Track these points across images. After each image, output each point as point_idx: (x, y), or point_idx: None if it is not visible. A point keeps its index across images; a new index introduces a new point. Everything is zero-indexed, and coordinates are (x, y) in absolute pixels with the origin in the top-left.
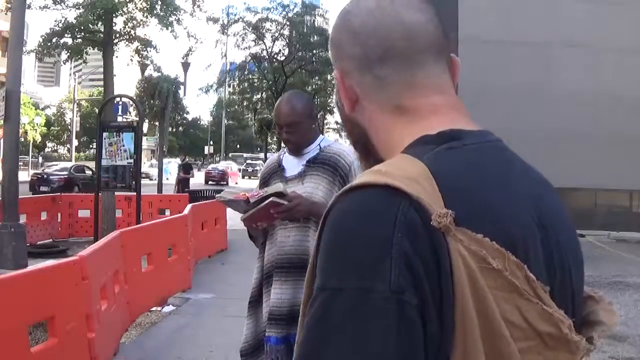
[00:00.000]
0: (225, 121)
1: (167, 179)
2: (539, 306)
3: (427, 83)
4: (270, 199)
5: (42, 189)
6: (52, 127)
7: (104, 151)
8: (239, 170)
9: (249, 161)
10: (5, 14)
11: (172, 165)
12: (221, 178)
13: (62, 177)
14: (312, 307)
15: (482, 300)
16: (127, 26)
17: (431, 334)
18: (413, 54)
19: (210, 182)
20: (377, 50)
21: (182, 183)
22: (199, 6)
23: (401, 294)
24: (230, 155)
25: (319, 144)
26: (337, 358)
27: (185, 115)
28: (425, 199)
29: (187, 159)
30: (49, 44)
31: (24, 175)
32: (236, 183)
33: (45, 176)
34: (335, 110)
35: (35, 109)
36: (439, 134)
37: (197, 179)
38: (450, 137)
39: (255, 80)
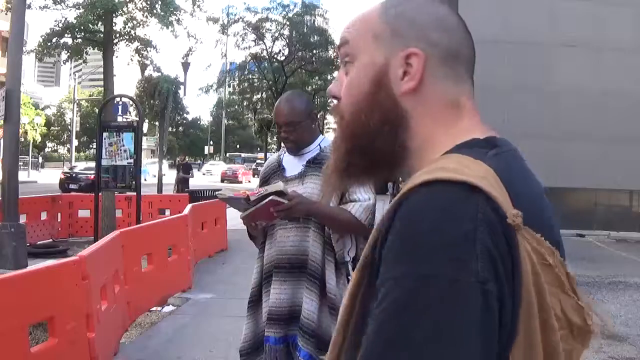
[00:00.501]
0: (225, 121)
1: (145, 179)
2: (574, 300)
3: (471, 88)
4: (271, 197)
5: (72, 186)
6: (52, 127)
7: (104, 151)
8: (251, 169)
9: (259, 161)
10: (5, 14)
11: (151, 167)
12: (234, 177)
13: (89, 175)
14: (389, 295)
15: (542, 293)
16: (127, 26)
17: (504, 323)
18: (473, 60)
19: (225, 181)
20: (459, 46)
21: (182, 183)
22: (199, 6)
23: (486, 284)
24: (227, 155)
25: (319, 144)
26: (425, 342)
27: (185, 115)
28: (499, 197)
29: (186, 159)
30: (49, 44)
31: (24, 175)
32: (249, 181)
33: (74, 175)
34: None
35: (35, 109)
36: (486, 139)
37: (207, 179)
38: (494, 143)
39: (255, 80)
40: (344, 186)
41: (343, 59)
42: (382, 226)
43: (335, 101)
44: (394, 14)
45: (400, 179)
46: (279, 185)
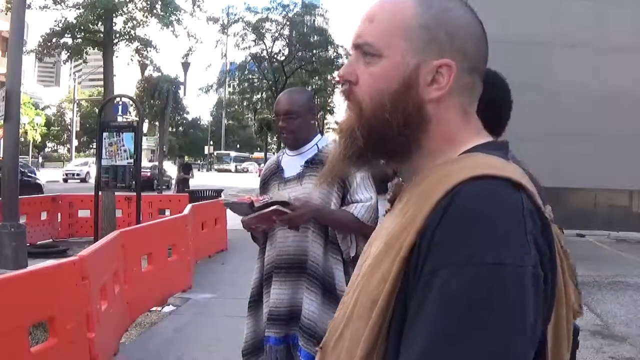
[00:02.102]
0: (225, 121)
1: None
2: (574, 286)
3: (478, 94)
4: (274, 206)
5: None
6: (52, 127)
7: (104, 151)
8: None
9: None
10: (6, 14)
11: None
12: None
13: (145, 175)
14: (451, 281)
15: (563, 274)
16: (127, 26)
17: (546, 298)
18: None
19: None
20: (483, 57)
21: (182, 183)
22: (199, 6)
23: (536, 268)
24: (215, 153)
25: (316, 144)
26: (495, 323)
27: (185, 115)
28: (535, 194)
29: (186, 159)
30: (49, 44)
31: None
32: None
33: None
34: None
35: (35, 109)
36: (500, 143)
37: (213, 179)
38: (506, 147)
39: (255, 80)
40: (348, 173)
41: (363, 47)
42: (432, 214)
43: (343, 85)
44: (433, 18)
45: (400, 179)
46: (283, 196)
